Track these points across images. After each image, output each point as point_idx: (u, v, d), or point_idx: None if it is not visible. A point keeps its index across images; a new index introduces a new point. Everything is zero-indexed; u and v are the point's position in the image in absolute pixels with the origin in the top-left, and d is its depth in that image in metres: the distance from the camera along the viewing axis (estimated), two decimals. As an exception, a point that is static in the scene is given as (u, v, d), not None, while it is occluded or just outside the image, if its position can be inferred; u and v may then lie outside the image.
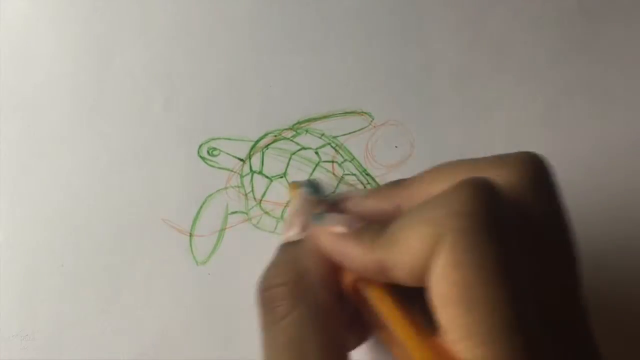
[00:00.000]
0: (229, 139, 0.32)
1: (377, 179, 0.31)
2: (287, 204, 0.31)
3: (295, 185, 0.30)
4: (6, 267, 0.31)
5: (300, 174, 0.31)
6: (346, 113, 0.32)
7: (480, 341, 0.17)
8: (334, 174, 0.31)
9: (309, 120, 0.32)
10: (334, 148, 0.31)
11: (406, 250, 0.19)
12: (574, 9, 0.31)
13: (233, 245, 0.31)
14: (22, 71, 0.32)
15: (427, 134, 0.31)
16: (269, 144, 0.32)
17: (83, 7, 0.33)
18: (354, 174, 0.31)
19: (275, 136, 0.32)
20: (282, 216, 0.31)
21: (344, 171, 0.31)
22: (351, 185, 0.31)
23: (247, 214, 0.31)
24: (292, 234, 0.24)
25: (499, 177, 0.20)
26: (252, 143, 0.32)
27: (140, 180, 0.32)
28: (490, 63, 0.31)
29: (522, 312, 0.18)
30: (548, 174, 0.21)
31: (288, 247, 0.24)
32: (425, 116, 0.31)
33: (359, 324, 0.24)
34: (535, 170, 0.21)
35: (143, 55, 0.32)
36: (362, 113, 0.31)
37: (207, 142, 0.32)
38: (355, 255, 0.21)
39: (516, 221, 0.19)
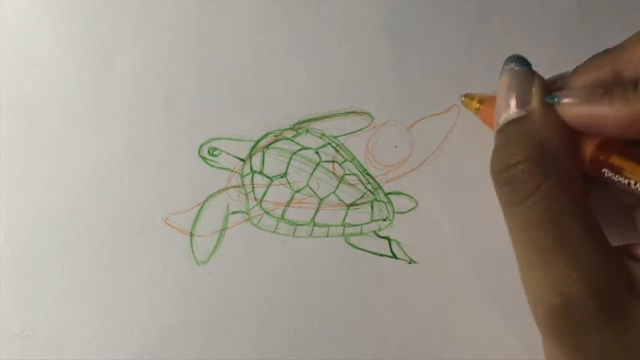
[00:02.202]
0: (230, 139, 0.32)
1: (377, 179, 0.31)
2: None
3: (471, 95, 0.28)
4: (6, 267, 0.31)
5: (300, 173, 0.31)
6: (346, 113, 0.32)
7: None
8: (334, 173, 0.31)
9: (310, 120, 0.32)
10: (334, 148, 0.31)
11: None
12: (574, 9, 0.31)
13: (233, 245, 0.31)
14: (22, 71, 0.32)
15: (427, 134, 0.31)
16: (269, 144, 0.32)
17: (83, 7, 0.33)
18: (354, 174, 0.31)
19: (276, 136, 0.32)
20: (282, 216, 0.31)
21: (344, 171, 0.31)
22: (352, 184, 0.31)
23: (247, 213, 0.31)
24: (512, 113, 0.23)
25: None
26: (252, 143, 0.32)
27: (141, 180, 0.32)
28: (490, 63, 0.31)
29: None
30: None
31: (514, 126, 0.23)
32: (425, 116, 0.31)
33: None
34: None
35: (143, 55, 0.32)
36: (362, 113, 0.31)
37: (207, 142, 0.32)
38: (610, 114, 0.21)
39: None
